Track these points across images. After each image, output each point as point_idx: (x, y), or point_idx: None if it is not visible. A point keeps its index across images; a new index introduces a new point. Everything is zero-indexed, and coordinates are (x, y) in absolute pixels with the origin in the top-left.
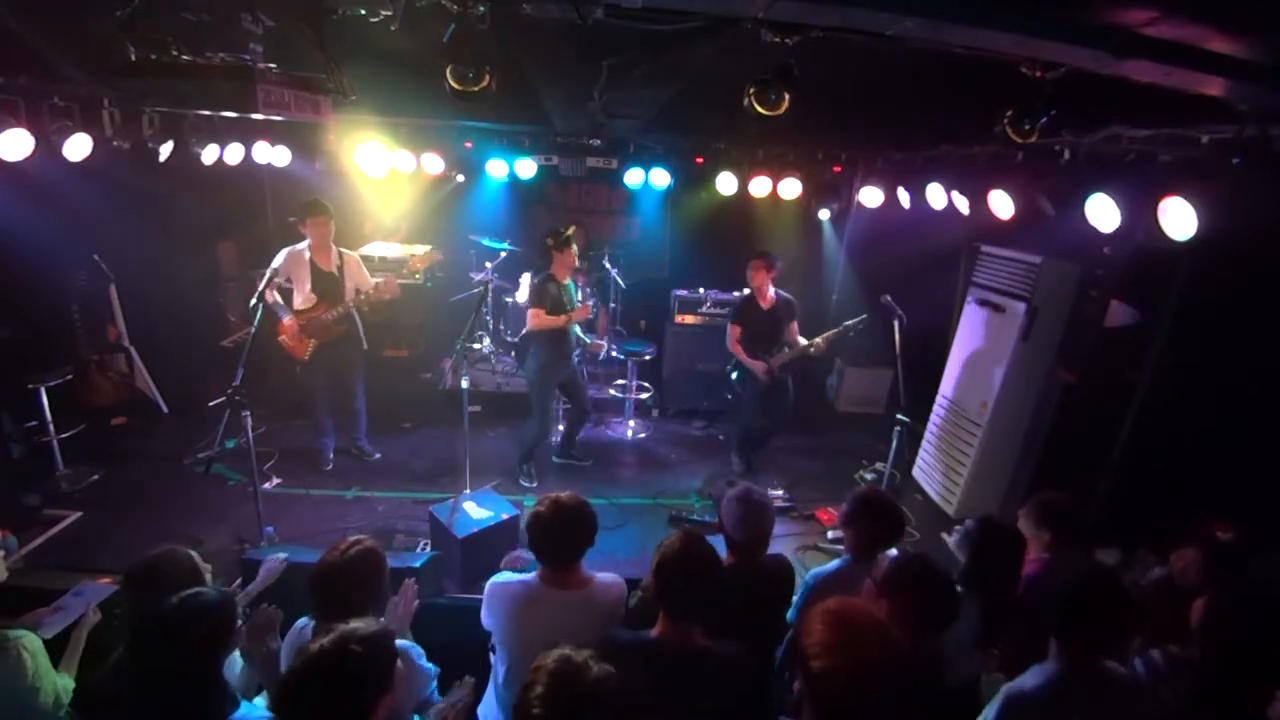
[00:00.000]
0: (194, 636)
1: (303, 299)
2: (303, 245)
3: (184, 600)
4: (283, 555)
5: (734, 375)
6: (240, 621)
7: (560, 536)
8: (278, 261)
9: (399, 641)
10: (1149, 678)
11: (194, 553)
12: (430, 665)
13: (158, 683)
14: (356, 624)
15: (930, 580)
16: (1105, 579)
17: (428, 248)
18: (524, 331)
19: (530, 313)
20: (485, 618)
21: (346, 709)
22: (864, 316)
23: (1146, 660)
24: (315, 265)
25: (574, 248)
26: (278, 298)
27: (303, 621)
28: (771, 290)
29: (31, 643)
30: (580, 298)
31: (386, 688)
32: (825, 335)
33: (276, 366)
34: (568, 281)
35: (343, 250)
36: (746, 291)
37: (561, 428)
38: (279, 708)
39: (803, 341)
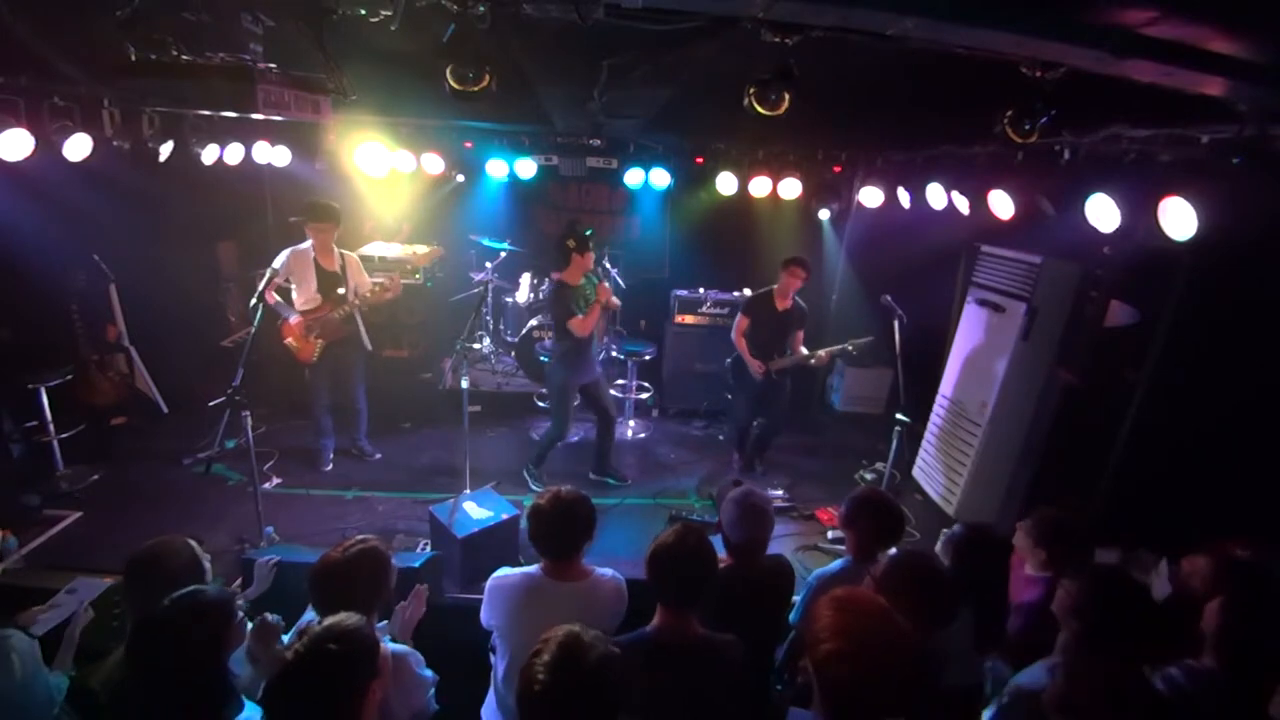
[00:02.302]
0: (194, 634)
1: (306, 299)
2: (306, 245)
3: (181, 598)
4: (272, 558)
5: (730, 367)
6: (247, 621)
7: (559, 529)
8: (279, 261)
9: (399, 647)
10: (1173, 696)
11: (194, 542)
12: (429, 673)
13: (159, 682)
14: (332, 620)
15: (928, 577)
16: (1127, 586)
17: (430, 247)
18: (523, 332)
19: (572, 324)
20: (486, 615)
21: (334, 707)
22: (870, 338)
23: (1166, 678)
24: (320, 265)
25: (592, 248)
26: (278, 298)
27: (310, 615)
28: (791, 295)
29: (21, 642)
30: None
31: (371, 676)
32: (828, 349)
33: (277, 366)
34: (582, 282)
35: (343, 251)
36: (768, 287)
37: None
38: (267, 713)
39: (804, 351)
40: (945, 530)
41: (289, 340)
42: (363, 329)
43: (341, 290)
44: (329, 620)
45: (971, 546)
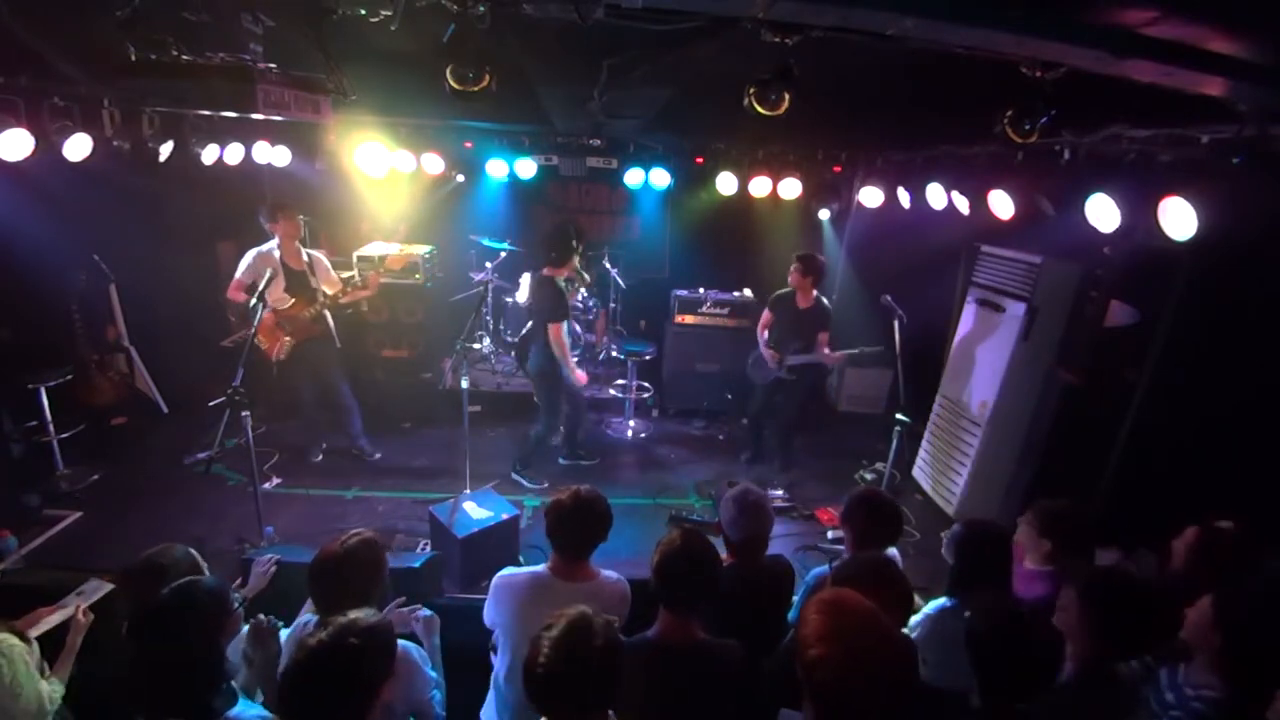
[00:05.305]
0: (190, 622)
1: (276, 298)
2: (270, 246)
3: (178, 588)
4: (271, 557)
5: (751, 363)
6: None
7: (577, 527)
8: (246, 262)
9: (405, 643)
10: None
11: (192, 550)
12: (433, 673)
13: (157, 671)
14: (356, 615)
15: (878, 573)
16: (1130, 585)
17: (429, 248)
18: (523, 332)
19: (553, 329)
20: (490, 613)
21: (348, 700)
22: (880, 348)
23: (1180, 696)
24: (287, 265)
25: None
26: (245, 295)
27: (307, 617)
28: (814, 293)
29: (10, 648)
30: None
31: (386, 675)
32: (842, 352)
33: (276, 367)
34: (563, 282)
35: (310, 251)
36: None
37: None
38: (281, 700)
39: (826, 351)
40: (945, 532)
41: (259, 339)
42: (332, 326)
43: (310, 289)
44: (352, 614)
45: (975, 541)
